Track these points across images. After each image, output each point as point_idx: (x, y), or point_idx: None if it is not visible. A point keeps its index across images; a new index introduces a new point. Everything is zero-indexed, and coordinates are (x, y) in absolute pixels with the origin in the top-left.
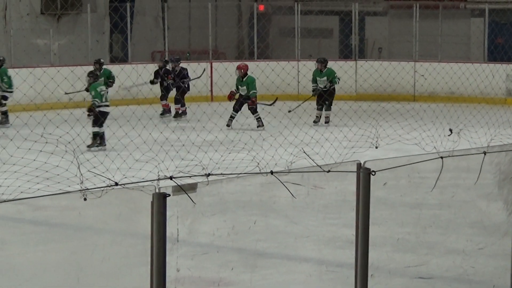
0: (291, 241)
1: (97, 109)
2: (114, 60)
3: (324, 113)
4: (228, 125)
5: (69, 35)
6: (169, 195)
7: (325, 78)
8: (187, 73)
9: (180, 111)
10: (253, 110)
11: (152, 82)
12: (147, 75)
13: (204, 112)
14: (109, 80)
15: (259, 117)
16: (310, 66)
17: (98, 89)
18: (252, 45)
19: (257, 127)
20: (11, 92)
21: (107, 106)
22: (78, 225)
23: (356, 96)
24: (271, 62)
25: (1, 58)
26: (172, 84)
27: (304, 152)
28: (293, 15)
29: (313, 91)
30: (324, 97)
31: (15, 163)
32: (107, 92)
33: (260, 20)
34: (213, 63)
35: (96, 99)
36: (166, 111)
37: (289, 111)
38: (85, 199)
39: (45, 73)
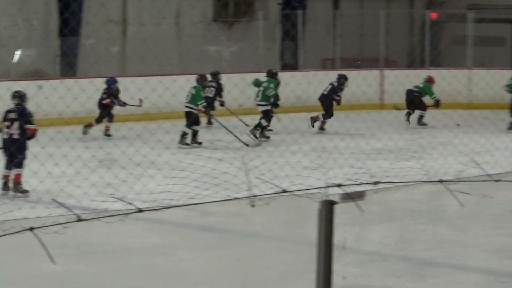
0: (459, 250)
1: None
2: (284, 67)
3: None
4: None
5: (240, 42)
6: (337, 202)
7: None
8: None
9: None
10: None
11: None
12: (317, 83)
13: (373, 120)
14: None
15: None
16: (482, 74)
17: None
18: (424, 53)
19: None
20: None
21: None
22: (245, 231)
23: None
24: (442, 70)
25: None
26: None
27: (474, 161)
28: (466, 23)
29: None
30: None
31: (183, 169)
32: None
33: (432, 28)
34: (384, 71)
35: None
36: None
37: (457, 125)
38: (252, 206)
39: None
